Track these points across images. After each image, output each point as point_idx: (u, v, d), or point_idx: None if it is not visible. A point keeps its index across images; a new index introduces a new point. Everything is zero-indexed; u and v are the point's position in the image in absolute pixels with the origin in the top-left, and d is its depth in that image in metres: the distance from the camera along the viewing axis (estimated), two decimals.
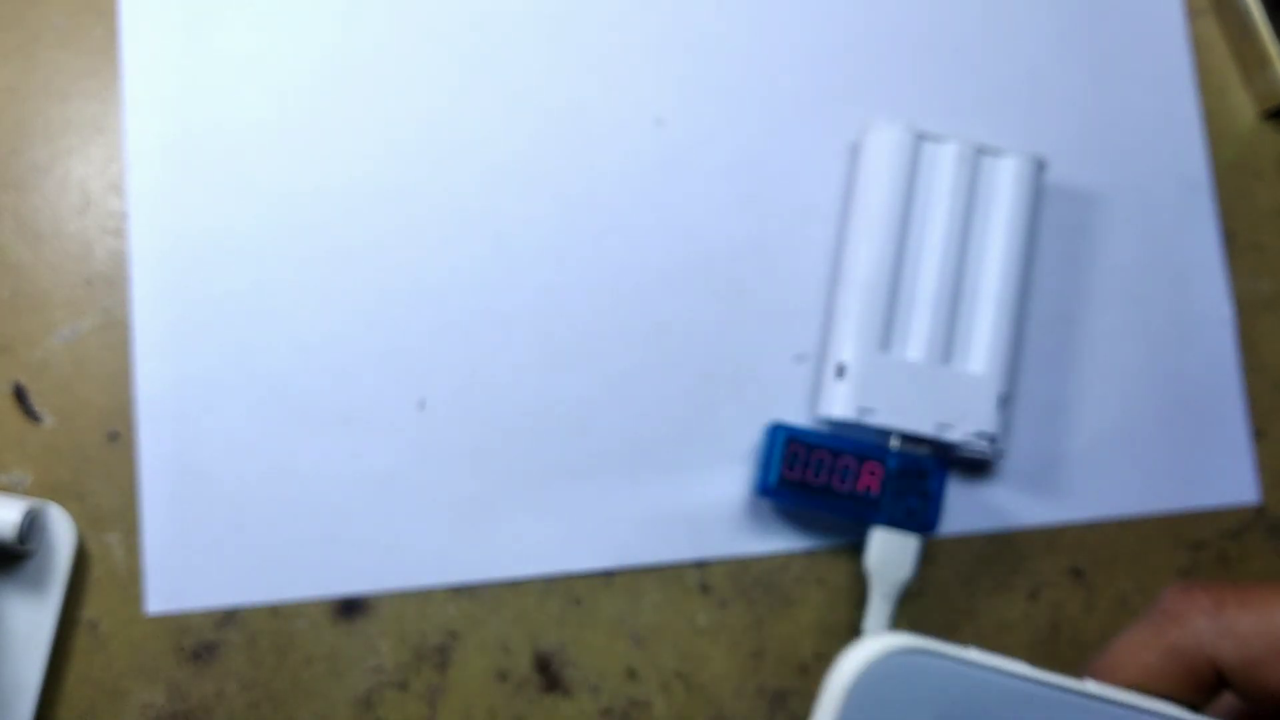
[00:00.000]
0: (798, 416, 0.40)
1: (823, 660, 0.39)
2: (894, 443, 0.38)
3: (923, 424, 0.37)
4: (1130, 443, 0.41)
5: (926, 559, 0.39)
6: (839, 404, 0.38)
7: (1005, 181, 0.39)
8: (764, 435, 0.39)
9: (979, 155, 0.38)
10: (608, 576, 0.39)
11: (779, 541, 0.39)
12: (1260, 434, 0.41)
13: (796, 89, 0.41)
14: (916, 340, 0.38)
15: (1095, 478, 0.40)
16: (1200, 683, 0.22)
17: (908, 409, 0.37)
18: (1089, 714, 0.23)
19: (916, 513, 0.37)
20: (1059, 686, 0.23)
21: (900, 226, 0.38)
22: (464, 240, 0.40)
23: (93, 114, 0.40)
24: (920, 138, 0.38)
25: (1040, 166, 0.39)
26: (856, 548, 0.40)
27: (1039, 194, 0.39)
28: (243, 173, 0.40)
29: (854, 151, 0.40)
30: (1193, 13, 0.43)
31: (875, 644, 0.22)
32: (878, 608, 0.37)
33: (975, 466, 0.41)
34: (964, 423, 0.37)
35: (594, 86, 0.41)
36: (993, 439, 0.38)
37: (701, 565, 0.39)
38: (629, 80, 0.41)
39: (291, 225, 0.40)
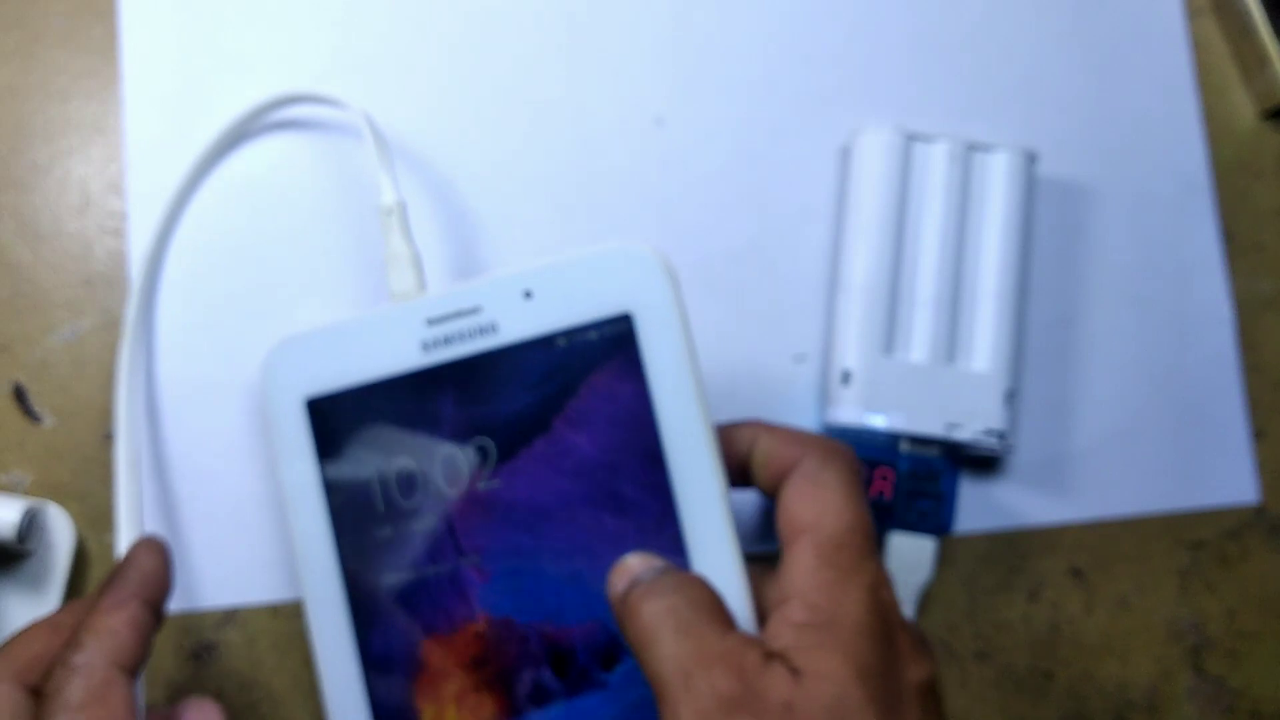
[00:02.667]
0: (798, 416, 0.40)
1: None
2: (904, 446, 0.37)
3: (931, 425, 0.37)
4: (1130, 442, 0.40)
5: None
6: (846, 410, 0.37)
7: (998, 176, 0.38)
8: None
9: (970, 152, 0.38)
10: None
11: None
12: (1260, 434, 0.41)
13: (793, 88, 0.41)
14: (919, 341, 0.38)
15: (1095, 478, 0.40)
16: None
17: (915, 411, 0.37)
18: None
19: (930, 515, 0.37)
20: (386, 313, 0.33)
21: (896, 228, 0.38)
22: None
23: (93, 114, 0.40)
24: (911, 138, 0.38)
25: (1031, 159, 0.39)
26: None
27: (1032, 186, 0.39)
28: (243, 171, 0.40)
29: (845, 155, 0.40)
30: (1192, 12, 0.43)
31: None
32: None
33: (976, 466, 0.40)
34: (972, 421, 0.37)
35: (596, 85, 0.41)
36: (1002, 435, 0.37)
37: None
38: (631, 79, 0.41)
39: (291, 227, 0.40)
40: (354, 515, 0.33)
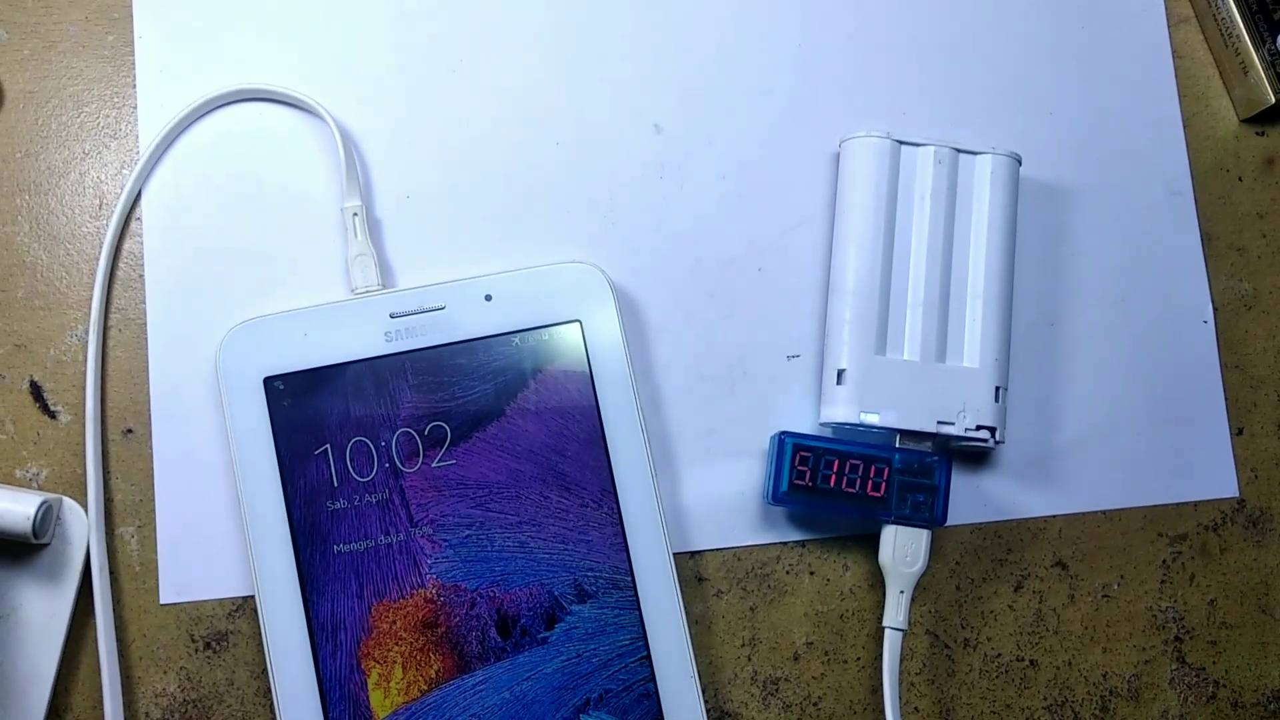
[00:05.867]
0: (792, 414, 0.39)
1: (814, 648, 0.38)
2: (897, 441, 0.37)
3: (924, 421, 0.36)
4: (1114, 438, 0.40)
5: None
6: (841, 409, 0.37)
7: (984, 179, 0.38)
8: (771, 444, 0.37)
9: (957, 156, 0.37)
10: None
11: (772, 534, 0.38)
12: (1239, 430, 0.41)
13: (787, 96, 0.40)
14: (911, 340, 0.37)
15: (1080, 472, 0.39)
16: None
17: (908, 408, 0.36)
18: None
19: (924, 507, 0.36)
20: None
21: (886, 232, 0.37)
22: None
23: (108, 119, 0.39)
24: (899, 143, 0.37)
25: (1017, 162, 0.38)
26: (846, 539, 0.39)
27: (1017, 188, 0.38)
28: (254, 175, 0.39)
29: (835, 161, 0.40)
30: (1175, 21, 0.42)
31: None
32: (895, 601, 0.37)
33: (966, 461, 0.39)
34: (963, 417, 0.36)
35: (596, 93, 0.40)
36: (993, 430, 0.36)
37: (696, 556, 0.38)
38: (630, 87, 0.40)
39: (299, 230, 0.39)
40: (308, 488, 0.34)
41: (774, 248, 0.40)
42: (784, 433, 0.37)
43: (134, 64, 0.39)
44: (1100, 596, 0.39)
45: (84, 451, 0.37)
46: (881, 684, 0.36)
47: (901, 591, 0.37)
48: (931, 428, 0.36)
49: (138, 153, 0.39)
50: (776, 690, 0.38)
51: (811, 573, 0.39)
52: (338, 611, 0.33)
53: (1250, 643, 0.39)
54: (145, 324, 0.38)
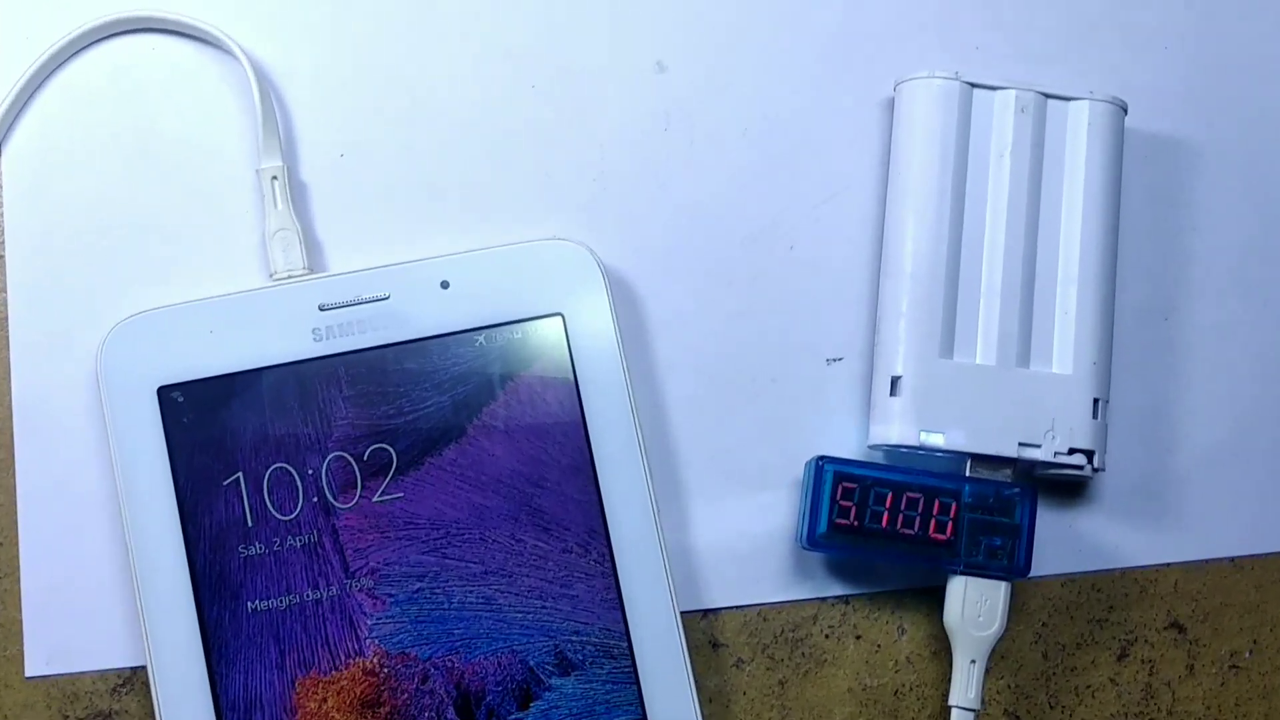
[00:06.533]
0: (833, 433, 0.37)
1: None
2: (968, 470, 0.35)
3: (1002, 444, 0.34)
4: (1243, 464, 0.38)
5: None
6: (896, 427, 0.35)
7: (1079, 132, 0.36)
8: (806, 473, 0.35)
9: (1045, 102, 0.35)
10: None
11: (806, 588, 0.37)
12: None
13: (826, 27, 0.39)
14: (985, 339, 0.35)
15: (1201, 509, 0.38)
16: None
17: (981, 426, 0.34)
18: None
19: (1002, 554, 0.34)
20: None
21: (954, 200, 0.35)
22: None
23: None
24: (970, 87, 0.35)
25: (1120, 109, 0.36)
26: (902, 594, 0.37)
27: (1121, 144, 0.36)
28: (145, 129, 0.37)
29: (890, 109, 0.37)
30: None
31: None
32: (964, 673, 0.34)
33: (1055, 494, 0.37)
34: (1053, 438, 0.34)
35: (582, 26, 0.38)
36: (1090, 454, 0.34)
37: (710, 615, 0.36)
38: (625, 17, 0.38)
39: (203, 199, 0.37)
40: (214, 529, 0.32)
41: (810, 221, 0.38)
42: (823, 458, 0.35)
43: None
44: (1227, 667, 0.37)
45: None
46: None
47: (973, 661, 0.34)
48: (1011, 451, 0.34)
49: None
50: None
51: (858, 637, 0.37)
52: (252, 687, 0.32)
53: None
54: (5, 319, 0.36)
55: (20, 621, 0.34)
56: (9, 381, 0.36)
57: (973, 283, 0.35)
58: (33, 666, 0.34)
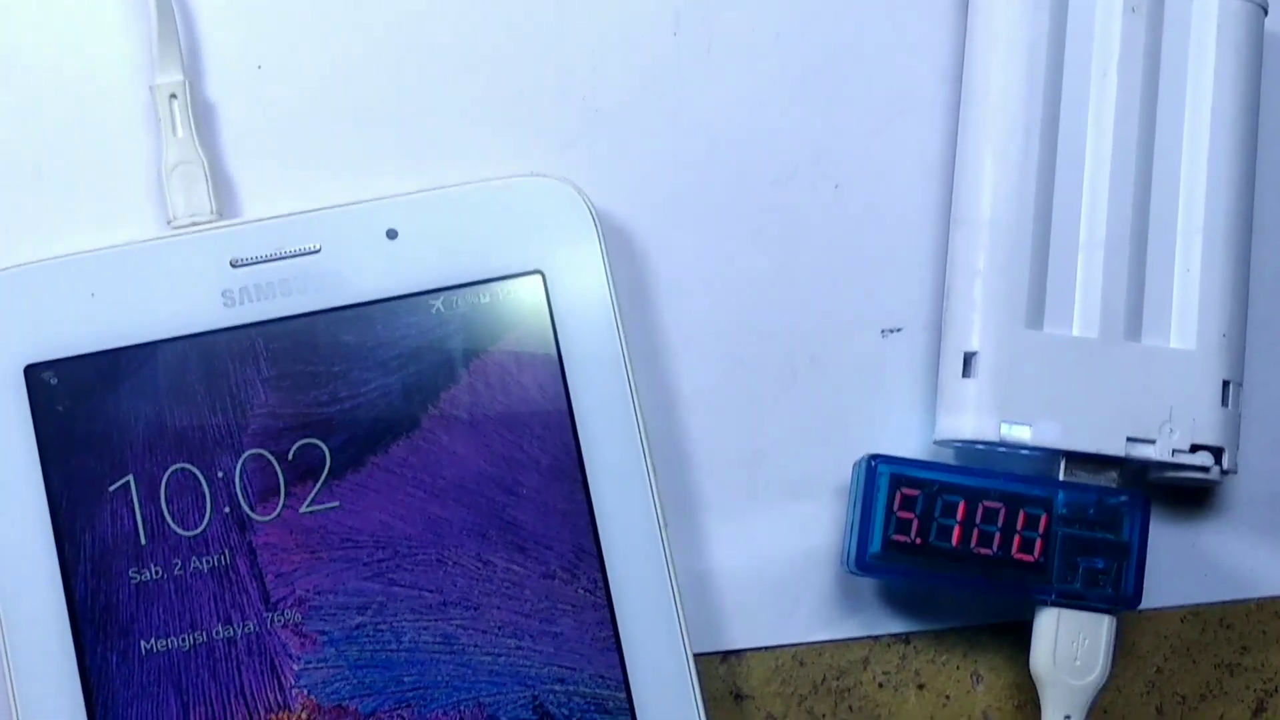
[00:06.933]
0: (889, 426, 0.33)
1: None
2: (1062, 472, 0.31)
3: (1105, 439, 0.31)
4: None
5: None
6: (970, 418, 0.31)
7: (1205, 37, 0.32)
8: (855, 476, 0.32)
9: (1162, 1, 0.32)
10: None
11: (855, 624, 0.33)
12: None
13: None
14: (1086, 305, 0.31)
15: None
16: None
17: (1079, 417, 0.31)
18: None
19: (1107, 579, 0.31)
20: None
21: (1045, 126, 0.31)
22: None
23: None
24: None
25: (1261, 10, 0.32)
26: (978, 631, 0.33)
27: (1260, 54, 0.32)
28: (10, 40, 0.34)
29: (963, 7, 0.34)
30: None
31: None
32: None
33: (1171, 503, 0.34)
34: (1170, 432, 0.31)
35: None
36: (1218, 452, 0.31)
37: (732, 658, 0.33)
38: None
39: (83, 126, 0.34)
40: (97, 548, 0.30)
41: (859, 155, 0.34)
42: (876, 457, 0.31)
43: None
44: None
45: None
46: None
47: (1068, 717, 0.31)
48: (1118, 449, 0.31)
49: None
50: None
51: (920, 685, 0.33)
52: None
53: None
54: None
55: None
56: None
57: (1069, 233, 0.31)
58: None
